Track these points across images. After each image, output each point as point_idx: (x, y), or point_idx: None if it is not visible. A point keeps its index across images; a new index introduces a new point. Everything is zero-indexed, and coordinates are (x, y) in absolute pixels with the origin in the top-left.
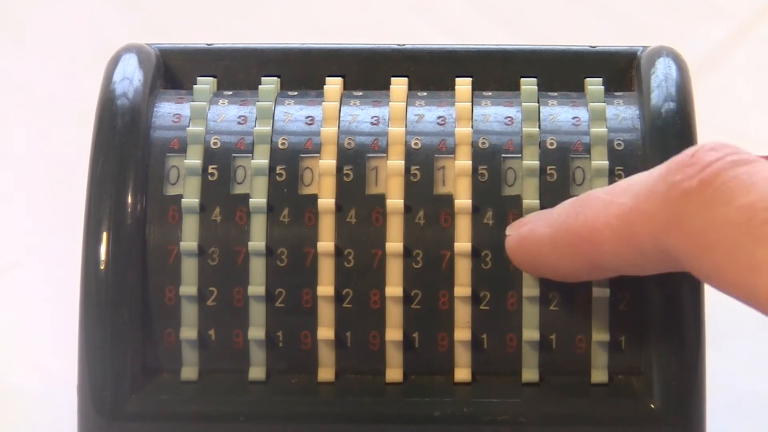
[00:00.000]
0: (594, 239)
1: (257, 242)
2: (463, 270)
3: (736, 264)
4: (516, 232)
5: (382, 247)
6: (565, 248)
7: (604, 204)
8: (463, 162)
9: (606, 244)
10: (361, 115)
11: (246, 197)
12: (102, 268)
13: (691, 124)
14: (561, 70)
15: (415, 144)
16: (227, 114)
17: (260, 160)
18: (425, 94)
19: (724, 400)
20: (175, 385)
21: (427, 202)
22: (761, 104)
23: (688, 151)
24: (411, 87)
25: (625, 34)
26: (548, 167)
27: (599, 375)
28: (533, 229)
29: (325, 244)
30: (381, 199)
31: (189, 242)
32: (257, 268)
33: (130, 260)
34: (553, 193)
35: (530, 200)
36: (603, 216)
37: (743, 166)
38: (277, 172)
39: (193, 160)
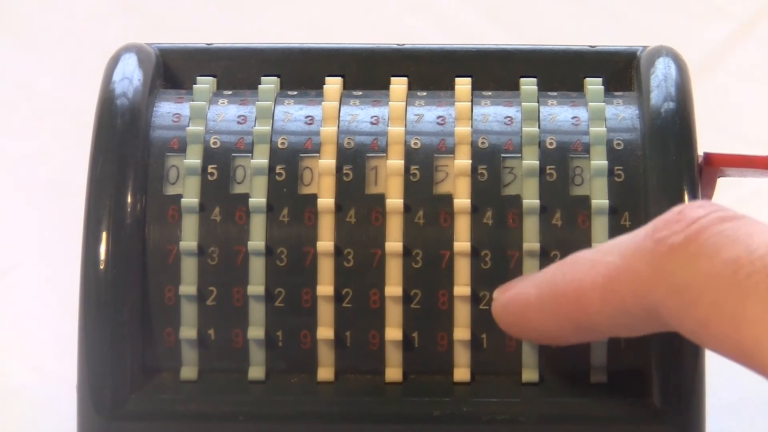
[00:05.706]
0: (580, 299)
1: (257, 242)
2: (462, 269)
3: (721, 317)
4: (502, 295)
5: (381, 247)
6: (551, 309)
7: (591, 263)
8: (463, 162)
9: (592, 304)
10: (360, 114)
11: (246, 197)
12: (102, 268)
13: (690, 124)
14: (561, 70)
15: (415, 144)
16: (227, 114)
17: (260, 159)
18: (425, 93)
19: (724, 400)
20: (174, 385)
21: (426, 202)
22: (761, 104)
23: (675, 209)
24: (411, 87)
25: (625, 34)
26: (548, 167)
27: (599, 375)
28: (519, 292)
29: (325, 243)
30: (381, 198)
31: (189, 242)
32: (257, 268)
33: (130, 260)
34: (553, 193)
35: (530, 200)
36: (590, 275)
37: (729, 222)
38: (277, 171)
39: (193, 159)
